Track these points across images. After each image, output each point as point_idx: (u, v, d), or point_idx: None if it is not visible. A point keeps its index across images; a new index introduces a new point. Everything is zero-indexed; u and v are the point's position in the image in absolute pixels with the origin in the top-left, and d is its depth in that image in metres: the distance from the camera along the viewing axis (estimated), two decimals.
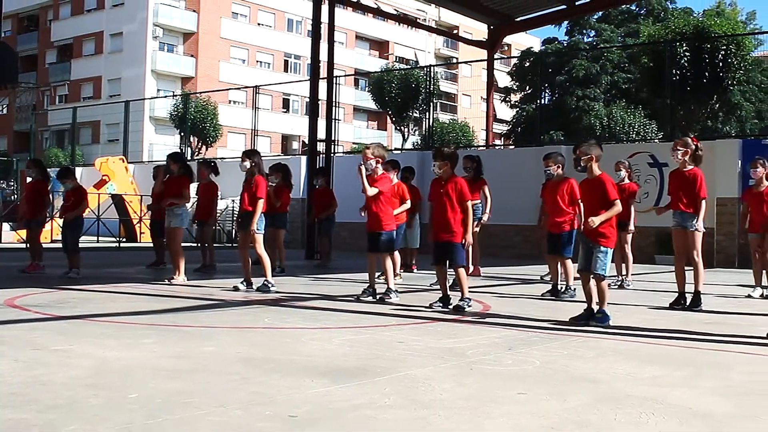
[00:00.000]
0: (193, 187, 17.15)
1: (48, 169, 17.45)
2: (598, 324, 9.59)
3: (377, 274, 12.85)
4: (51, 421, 4.69)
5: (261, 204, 13.38)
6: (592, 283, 9.86)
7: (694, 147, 11.85)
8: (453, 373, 6.50)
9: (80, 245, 15.79)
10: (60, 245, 16.33)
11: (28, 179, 17.33)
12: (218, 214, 21.00)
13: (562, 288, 13.47)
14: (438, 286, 11.75)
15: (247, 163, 13.57)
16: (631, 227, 15.51)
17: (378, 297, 12.16)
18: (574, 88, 58.02)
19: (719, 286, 16.03)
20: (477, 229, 15.15)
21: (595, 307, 9.85)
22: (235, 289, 13.42)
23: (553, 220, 13.23)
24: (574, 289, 13.05)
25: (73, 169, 16.73)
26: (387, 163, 13.20)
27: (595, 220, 9.61)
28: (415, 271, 18.20)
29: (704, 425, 5.02)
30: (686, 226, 11.81)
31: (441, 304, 11.30)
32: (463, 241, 11.16)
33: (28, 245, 16.44)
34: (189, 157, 39.65)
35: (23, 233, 22.35)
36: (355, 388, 5.84)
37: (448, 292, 11.47)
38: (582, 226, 10.22)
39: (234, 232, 31.50)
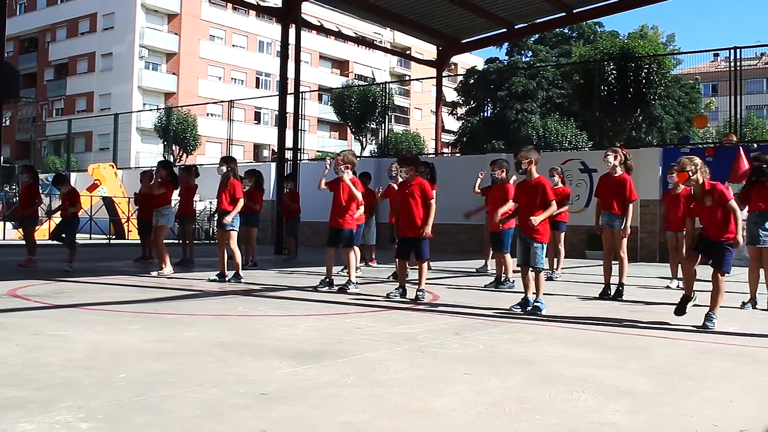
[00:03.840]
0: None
1: (43, 174, 17.35)
2: (534, 311, 9.62)
3: (340, 268, 12.81)
4: (48, 398, 4.66)
5: (241, 203, 13.43)
6: (531, 275, 9.90)
7: (623, 156, 11.89)
8: (406, 356, 6.49)
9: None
10: (58, 242, 16.18)
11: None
12: (198, 214, 20.92)
13: (503, 279, 13.48)
14: (393, 279, 11.80)
15: (224, 168, 13.59)
16: (563, 227, 15.61)
17: (338, 287, 12.10)
18: (514, 102, 58.17)
19: (643, 279, 16.14)
20: None
21: (531, 297, 9.88)
22: (211, 280, 13.39)
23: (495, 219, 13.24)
24: (513, 281, 13.08)
25: (66, 175, 16.55)
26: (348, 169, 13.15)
27: (535, 220, 9.64)
28: (374, 265, 18.18)
29: (629, 401, 5.04)
30: (614, 225, 11.86)
31: (398, 295, 11.25)
32: (425, 234, 11.14)
33: (25, 242, 16.30)
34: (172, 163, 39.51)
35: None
36: (319, 369, 5.82)
37: (405, 285, 11.48)
38: (519, 224, 10.23)
39: (211, 230, 31.46)
